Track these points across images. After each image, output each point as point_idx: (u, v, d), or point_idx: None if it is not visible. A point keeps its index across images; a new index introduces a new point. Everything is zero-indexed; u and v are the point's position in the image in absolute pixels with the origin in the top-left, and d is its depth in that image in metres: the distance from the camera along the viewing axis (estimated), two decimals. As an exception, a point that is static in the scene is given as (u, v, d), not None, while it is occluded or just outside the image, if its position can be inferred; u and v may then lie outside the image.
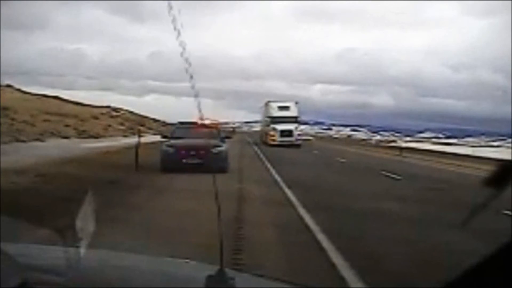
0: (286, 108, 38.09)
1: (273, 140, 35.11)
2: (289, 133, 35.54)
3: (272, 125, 36.27)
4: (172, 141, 14.29)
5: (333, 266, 4.66)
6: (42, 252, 1.41)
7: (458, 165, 23.03)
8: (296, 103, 39.23)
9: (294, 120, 37.03)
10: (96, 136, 32.48)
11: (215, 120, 17.23)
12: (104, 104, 55.65)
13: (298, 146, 34.72)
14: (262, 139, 40.26)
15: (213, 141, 14.01)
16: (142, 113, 60.99)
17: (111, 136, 34.87)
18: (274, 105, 38.89)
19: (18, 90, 45.79)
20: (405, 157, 29.79)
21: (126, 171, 12.43)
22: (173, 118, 35.42)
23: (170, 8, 1.03)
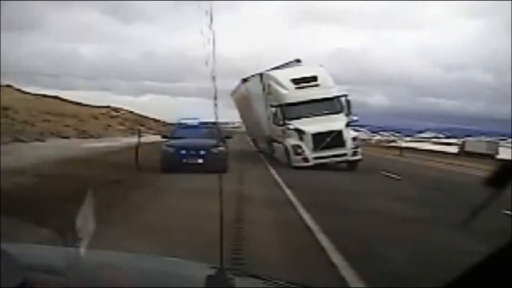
0: (310, 81, 16.97)
1: (300, 154, 16.33)
2: (335, 138, 16.18)
3: (290, 123, 16.65)
4: (172, 141, 14.27)
5: (332, 266, 4.66)
6: (42, 252, 1.41)
7: (458, 165, 23.07)
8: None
9: (338, 106, 16.97)
10: (96, 136, 32.49)
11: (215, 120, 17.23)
12: (103, 104, 55.78)
13: (354, 165, 16.57)
14: (261, 147, 21.94)
15: (213, 141, 14.00)
16: (141, 113, 61.10)
17: (111, 136, 34.87)
18: (281, 75, 17.64)
19: (18, 90, 45.80)
20: (405, 157, 29.85)
21: (126, 172, 12.41)
22: (171, 118, 34.99)
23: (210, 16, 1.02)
